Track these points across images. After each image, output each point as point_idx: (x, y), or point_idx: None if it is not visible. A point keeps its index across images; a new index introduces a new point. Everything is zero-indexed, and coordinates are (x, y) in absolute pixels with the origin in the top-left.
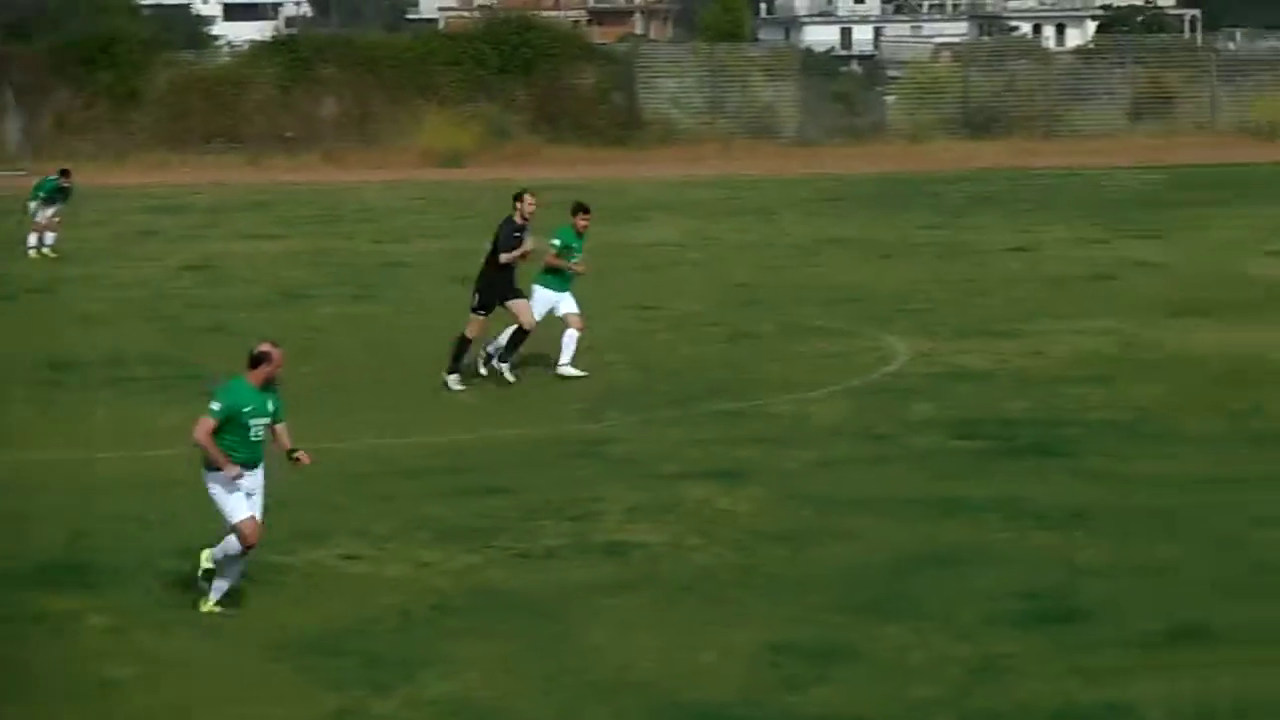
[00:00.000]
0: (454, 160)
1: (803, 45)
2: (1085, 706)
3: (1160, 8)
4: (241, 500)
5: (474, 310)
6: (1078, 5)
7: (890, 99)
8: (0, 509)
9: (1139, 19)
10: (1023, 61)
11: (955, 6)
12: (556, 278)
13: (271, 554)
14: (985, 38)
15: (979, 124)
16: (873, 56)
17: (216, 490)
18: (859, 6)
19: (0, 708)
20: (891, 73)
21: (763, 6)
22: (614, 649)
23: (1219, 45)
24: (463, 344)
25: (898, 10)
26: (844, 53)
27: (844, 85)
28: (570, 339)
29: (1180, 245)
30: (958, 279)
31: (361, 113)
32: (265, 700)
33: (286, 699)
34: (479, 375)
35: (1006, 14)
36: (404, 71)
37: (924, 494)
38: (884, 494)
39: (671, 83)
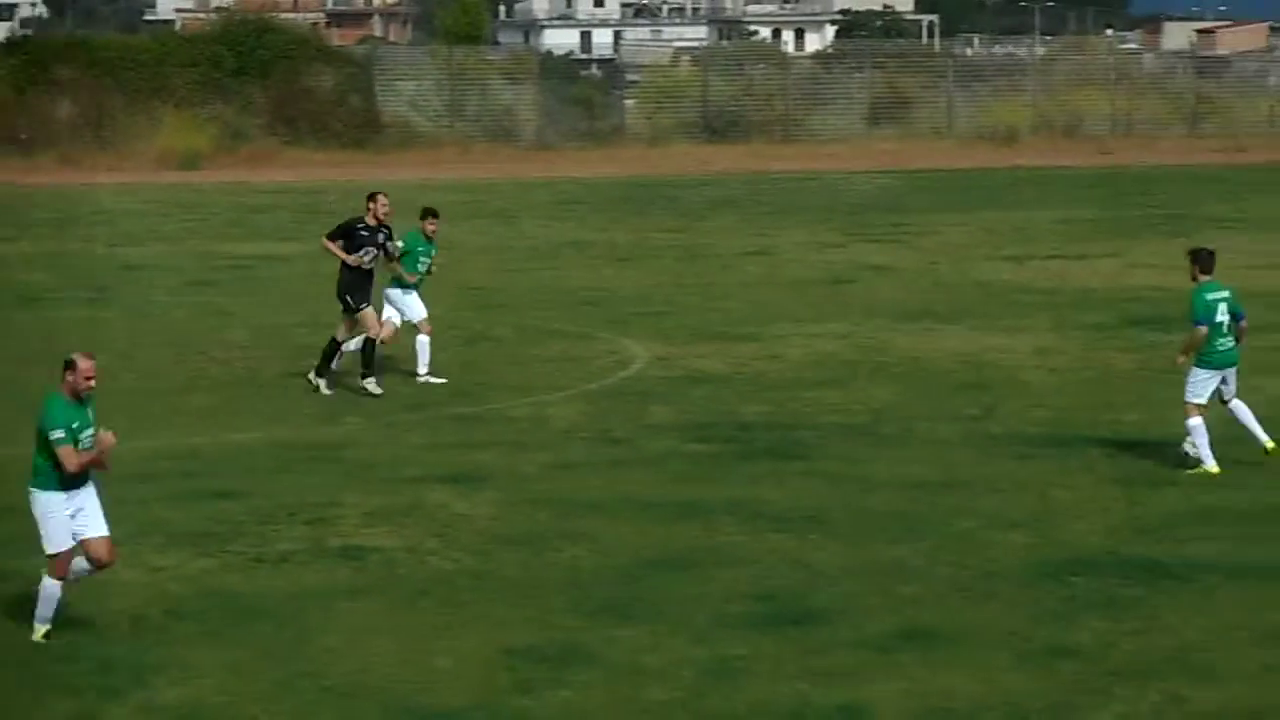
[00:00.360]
0: (191, 163)
1: (542, 49)
2: (819, 707)
3: (898, 13)
4: (63, 528)
5: (346, 312)
6: (817, 10)
7: (630, 103)
8: None
9: (877, 24)
10: (761, 66)
11: (695, 11)
12: (403, 281)
13: (1, 559)
14: (725, 42)
15: (718, 128)
16: (612, 60)
17: (41, 513)
18: (599, 10)
19: None
20: (631, 76)
21: (502, 10)
22: (349, 653)
23: (956, 51)
24: (333, 346)
25: (637, 14)
26: (584, 56)
27: (583, 89)
28: (423, 345)
29: (916, 250)
30: (696, 283)
31: (98, 114)
32: None
33: (18, 705)
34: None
35: (746, 19)
36: (140, 73)
37: (660, 497)
38: (620, 497)
39: (410, 85)
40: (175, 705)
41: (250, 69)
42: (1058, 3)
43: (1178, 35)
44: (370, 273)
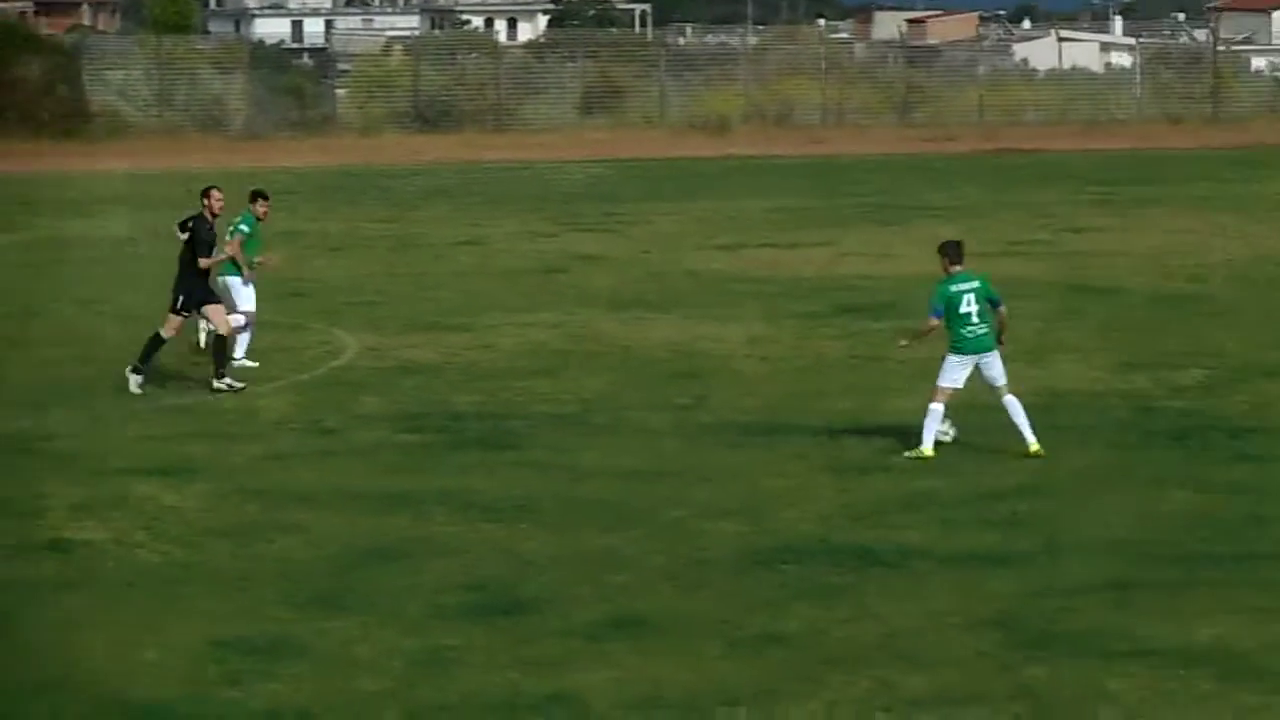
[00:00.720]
0: None
1: (253, 38)
2: (530, 696)
3: (610, 2)
4: None
5: (174, 311)
6: None
7: (341, 92)
8: None
9: (590, 13)
10: (474, 55)
11: (407, 0)
12: (235, 265)
13: None
14: (437, 31)
15: (430, 117)
16: (324, 50)
17: None
18: (310, 0)
19: None
20: (342, 66)
21: None
22: (56, 647)
23: (669, 40)
24: (156, 342)
25: (349, 3)
26: (295, 46)
27: (294, 78)
28: (245, 333)
29: (628, 239)
30: (408, 272)
31: None
32: None
33: None
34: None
35: (458, 8)
36: None
37: (371, 488)
38: (331, 487)
39: (119, 75)
40: None
41: None
42: None
43: (889, 25)
44: (205, 274)
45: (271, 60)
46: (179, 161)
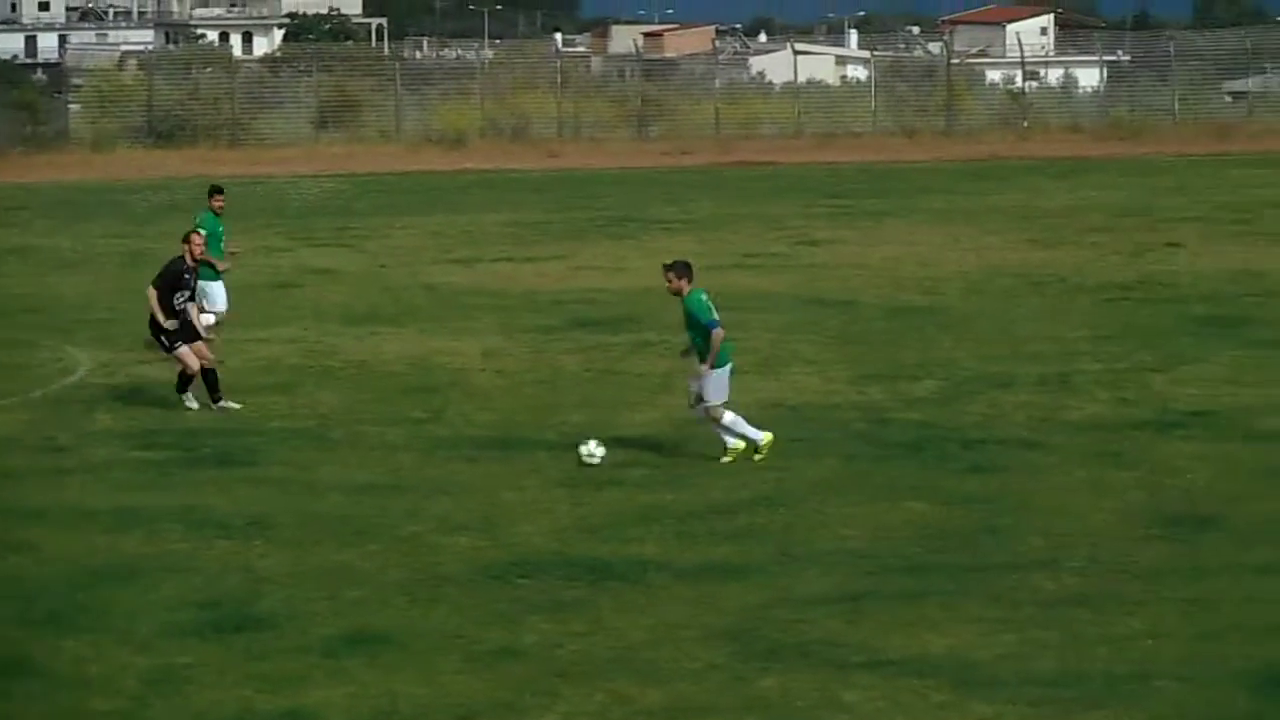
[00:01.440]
0: None
1: None
2: (263, 713)
3: (345, 16)
4: None
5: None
6: (264, 14)
7: (75, 107)
8: None
9: (325, 27)
10: (209, 69)
11: (141, 14)
12: (209, 268)
13: None
14: (172, 46)
15: (164, 132)
16: (58, 64)
17: None
18: (43, 14)
19: None
20: (76, 80)
21: None
22: None
23: (405, 54)
24: (187, 381)
25: (83, 18)
26: (28, 60)
27: (27, 93)
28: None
29: (363, 253)
30: (141, 289)
31: None
32: None
33: None
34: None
35: (193, 22)
36: None
37: (105, 505)
38: (63, 505)
39: None
40: None
41: None
42: (506, 6)
43: (626, 39)
44: (187, 324)
45: (4, 75)
46: None
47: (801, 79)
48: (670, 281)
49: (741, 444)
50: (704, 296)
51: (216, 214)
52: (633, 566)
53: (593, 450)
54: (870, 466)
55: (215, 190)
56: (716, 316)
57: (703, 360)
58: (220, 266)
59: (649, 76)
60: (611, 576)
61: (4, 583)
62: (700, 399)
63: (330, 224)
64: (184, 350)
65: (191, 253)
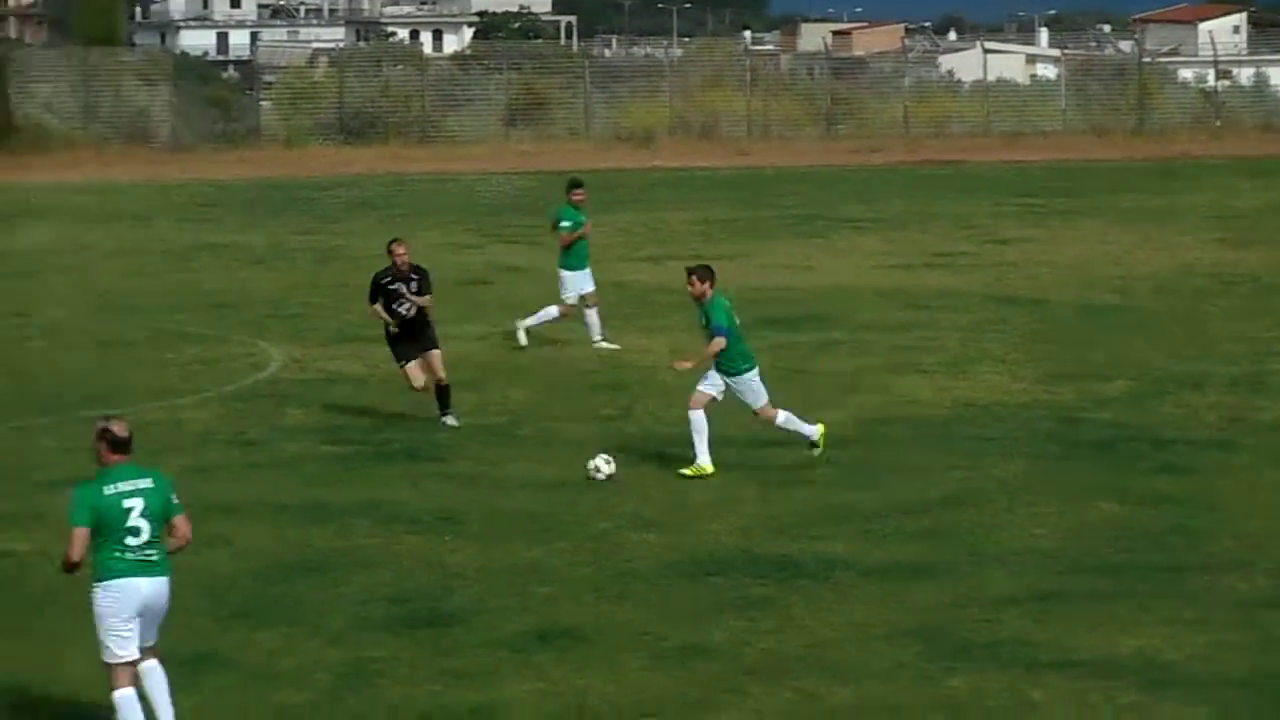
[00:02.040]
0: None
1: (178, 50)
2: (453, 709)
3: (535, 14)
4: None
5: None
6: (455, 11)
7: (266, 104)
8: None
9: (515, 25)
10: (399, 67)
11: (332, 12)
12: (573, 256)
13: None
14: (362, 43)
15: (355, 129)
16: (249, 61)
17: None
18: (235, 11)
19: None
20: (268, 78)
21: (138, 11)
22: None
23: (594, 52)
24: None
25: (274, 15)
26: (220, 58)
27: (220, 90)
28: (592, 317)
29: (553, 251)
30: (332, 284)
31: None
32: None
33: None
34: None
35: (384, 20)
36: None
37: (296, 500)
38: (256, 500)
39: (45, 87)
40: None
41: None
42: (695, 4)
43: (814, 37)
44: (410, 324)
45: (196, 72)
46: (103, 174)
47: (991, 77)
48: (693, 285)
49: (817, 431)
50: (726, 302)
51: (575, 207)
52: (821, 565)
53: (599, 466)
54: (1060, 466)
55: (575, 184)
56: (727, 324)
57: (717, 368)
58: (564, 239)
59: (838, 75)
60: (800, 575)
61: (196, 576)
62: (754, 412)
63: (520, 221)
64: (410, 367)
65: (395, 262)
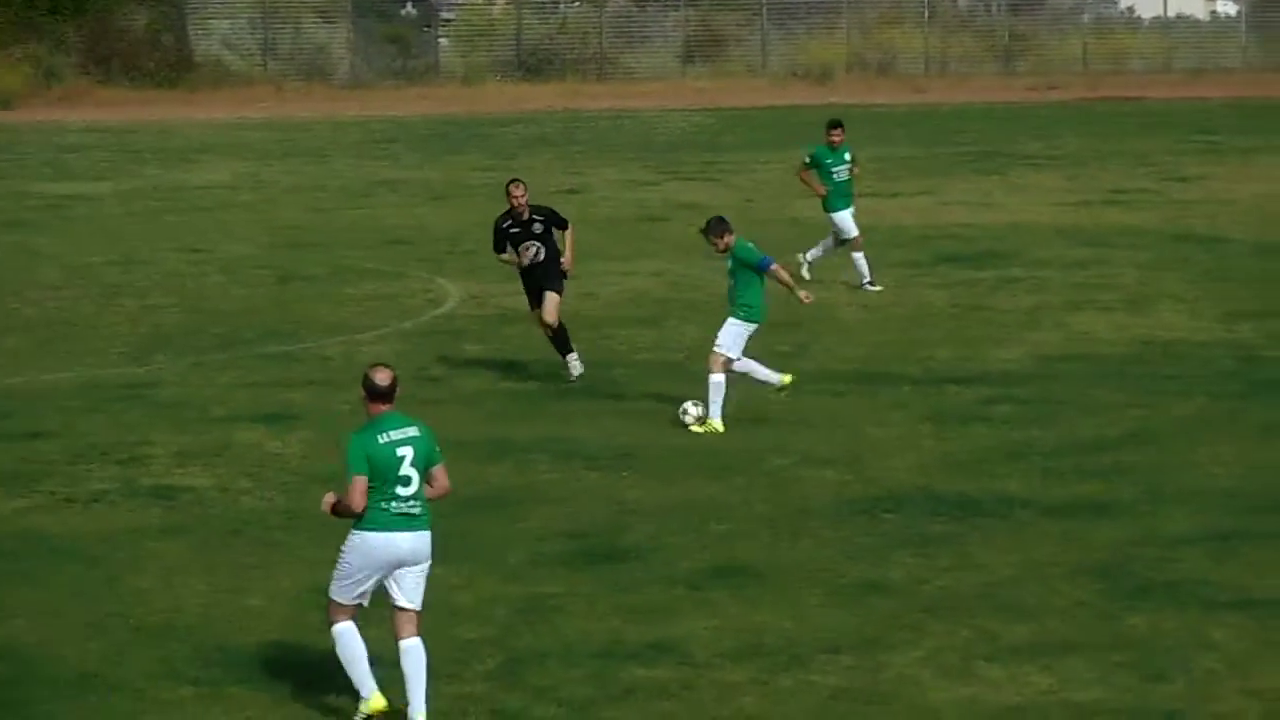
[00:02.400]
0: (2, 103)
1: None
2: (631, 644)
3: None
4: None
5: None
6: None
7: (444, 41)
8: None
9: None
10: (576, 4)
11: None
12: (836, 198)
13: None
14: None
15: (532, 66)
16: None
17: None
18: None
19: None
20: (446, 15)
21: None
22: (161, 593)
23: None
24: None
25: None
26: None
27: (398, 27)
28: (859, 259)
29: (730, 188)
30: None
31: None
32: None
33: None
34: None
35: None
36: None
37: (474, 435)
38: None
39: (224, 24)
40: None
41: (64, 8)
42: None
43: None
44: (535, 267)
45: (375, 8)
46: (282, 111)
47: (1171, 13)
48: (721, 239)
49: (719, 424)
50: (749, 243)
51: (832, 147)
52: (999, 502)
53: (688, 409)
54: (1240, 405)
55: (833, 124)
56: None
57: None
58: (820, 190)
59: (1016, 11)
60: (978, 512)
61: None
62: (713, 350)
63: (697, 158)
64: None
65: (513, 203)
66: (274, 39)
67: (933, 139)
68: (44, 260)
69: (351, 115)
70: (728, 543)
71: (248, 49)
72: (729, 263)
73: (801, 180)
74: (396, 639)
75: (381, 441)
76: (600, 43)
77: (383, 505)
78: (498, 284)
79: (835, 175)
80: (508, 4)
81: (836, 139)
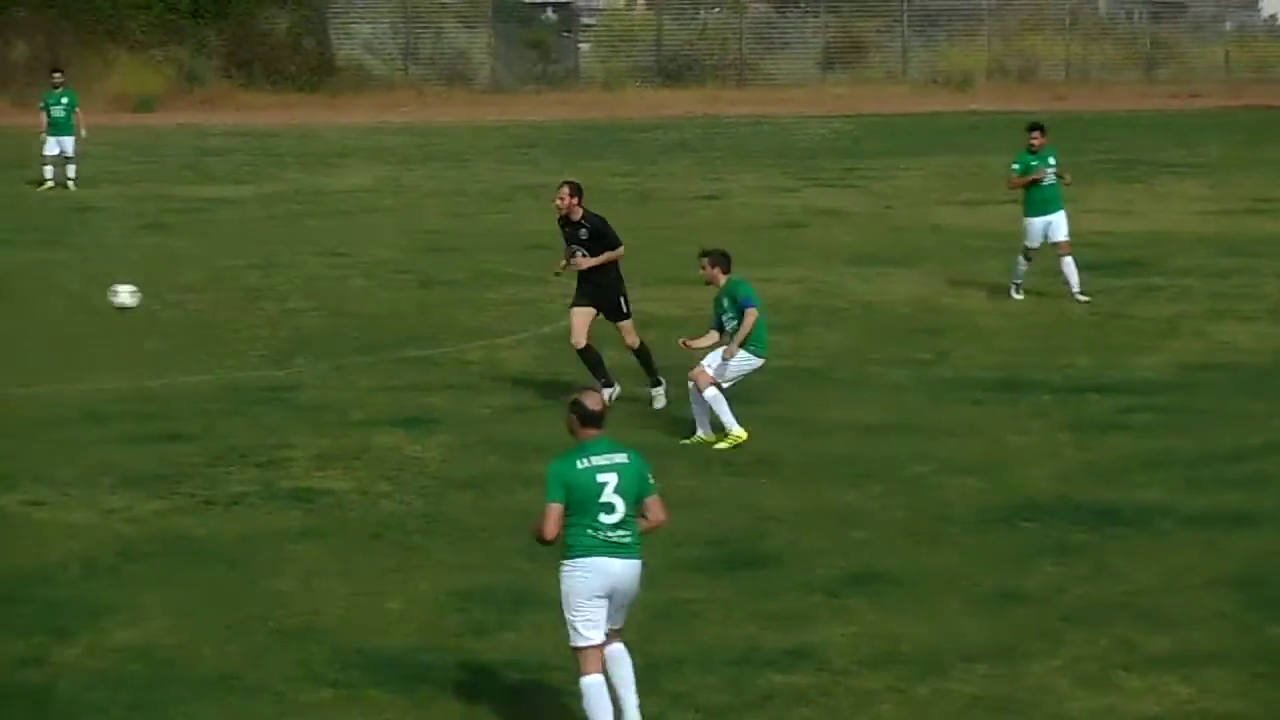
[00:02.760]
0: (145, 105)
1: None
2: (768, 650)
3: None
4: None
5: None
6: None
7: (585, 46)
8: None
9: None
10: (716, 10)
11: None
12: (1040, 203)
13: None
14: None
15: (672, 72)
16: (568, 4)
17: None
18: None
19: None
20: (586, 20)
21: None
22: (300, 596)
23: None
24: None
25: None
26: (538, 0)
27: (538, 32)
28: (1068, 265)
29: (870, 194)
30: (649, 226)
31: (52, 56)
32: None
33: None
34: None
35: None
36: (95, 14)
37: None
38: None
39: (365, 28)
40: (125, 647)
41: (206, 11)
42: None
43: None
44: (587, 275)
45: (516, 14)
46: (423, 115)
47: None
48: (706, 268)
49: (740, 431)
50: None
51: (1031, 151)
52: (1139, 512)
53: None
54: None
55: (1032, 128)
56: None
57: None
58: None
59: (1157, 18)
60: (1117, 521)
61: (514, 515)
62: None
63: (837, 164)
64: (572, 312)
65: (557, 204)
66: (415, 43)
67: (1073, 146)
68: (185, 262)
69: (491, 120)
70: (866, 550)
71: (389, 53)
72: (725, 300)
73: (1015, 188)
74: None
75: (580, 467)
76: (740, 49)
77: (589, 532)
78: (639, 289)
79: (1041, 179)
80: (648, 9)
81: (1036, 143)
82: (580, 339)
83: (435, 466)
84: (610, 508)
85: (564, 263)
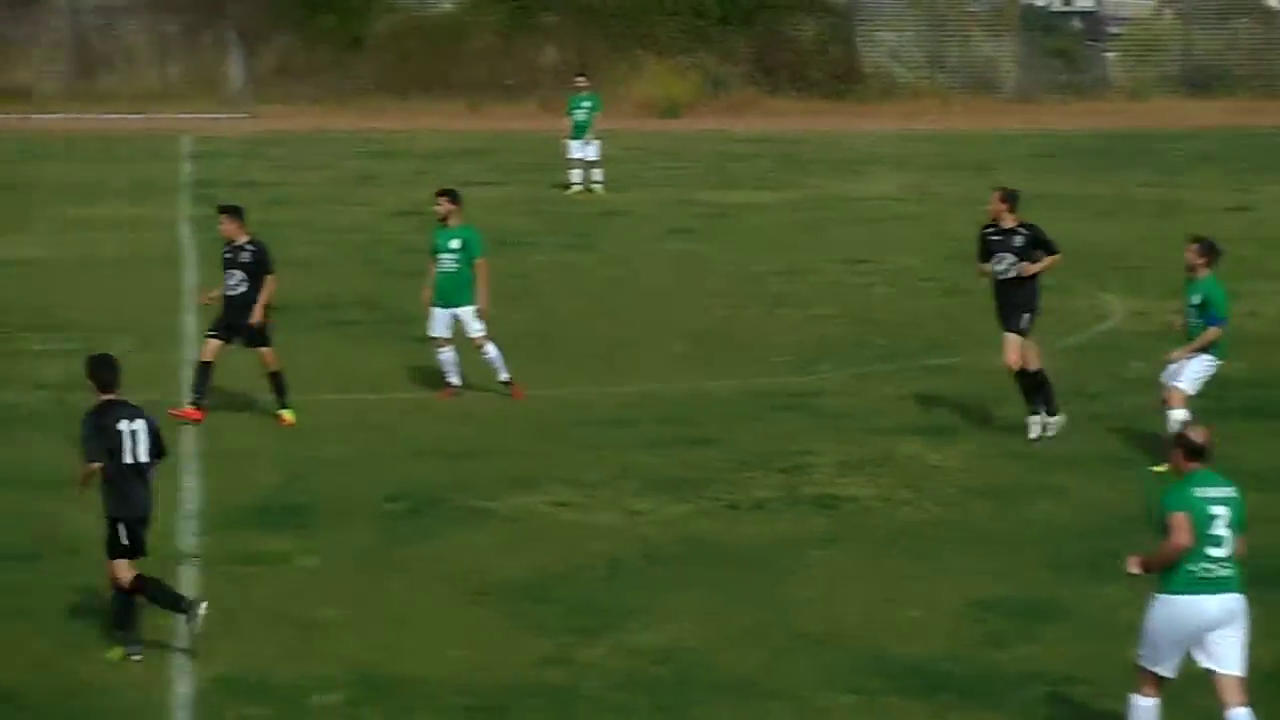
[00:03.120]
0: (671, 111)
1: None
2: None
3: None
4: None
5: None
6: None
7: (1111, 55)
8: (218, 450)
9: None
10: (1245, 20)
11: None
12: None
13: (477, 499)
14: None
15: (1199, 82)
16: (1094, 13)
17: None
18: None
19: (209, 644)
20: (1112, 29)
21: None
22: (821, 601)
23: None
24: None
25: None
26: (1064, 9)
27: (1064, 41)
28: None
29: None
30: (1173, 237)
31: (581, 61)
32: (471, 645)
33: (493, 644)
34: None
35: None
36: (624, 21)
37: (1133, 455)
38: (1095, 453)
39: (891, 36)
40: (649, 648)
41: (733, 18)
42: None
43: None
44: (1010, 285)
45: (1041, 22)
46: (947, 123)
47: None
48: (1193, 256)
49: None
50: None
51: None
52: None
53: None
54: None
55: None
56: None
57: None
58: None
59: None
60: None
61: (1035, 526)
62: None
63: None
64: (1006, 335)
65: (990, 209)
66: (940, 52)
67: None
68: (710, 268)
69: (1016, 128)
70: None
71: (915, 61)
72: (1195, 295)
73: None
74: (1222, 709)
75: (1196, 495)
76: (1270, 59)
77: (1189, 566)
78: (1162, 300)
79: None
80: (1175, 18)
81: None
82: (1015, 360)
83: (956, 475)
84: (1219, 540)
85: (996, 273)
